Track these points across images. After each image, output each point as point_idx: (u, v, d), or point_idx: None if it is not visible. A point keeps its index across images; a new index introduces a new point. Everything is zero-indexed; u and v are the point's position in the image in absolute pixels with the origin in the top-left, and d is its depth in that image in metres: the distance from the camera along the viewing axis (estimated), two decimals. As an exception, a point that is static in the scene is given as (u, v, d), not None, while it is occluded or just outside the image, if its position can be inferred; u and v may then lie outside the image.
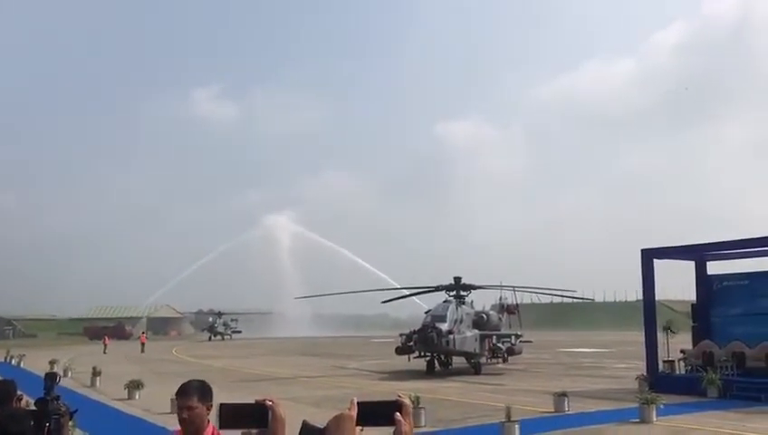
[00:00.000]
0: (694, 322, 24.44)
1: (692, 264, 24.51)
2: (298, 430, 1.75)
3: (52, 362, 28.52)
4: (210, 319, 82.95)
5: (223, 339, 76.71)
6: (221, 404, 1.83)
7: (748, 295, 22.69)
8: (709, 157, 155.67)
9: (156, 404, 17.68)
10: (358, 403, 1.72)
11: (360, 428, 1.71)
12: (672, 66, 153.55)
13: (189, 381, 3.33)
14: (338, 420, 1.69)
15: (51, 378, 3.73)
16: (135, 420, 16.67)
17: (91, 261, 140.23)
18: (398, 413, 1.70)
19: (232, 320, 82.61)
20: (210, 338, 76.93)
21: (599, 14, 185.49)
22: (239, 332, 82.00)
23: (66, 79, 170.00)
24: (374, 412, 1.73)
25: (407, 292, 37.72)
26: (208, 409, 3.25)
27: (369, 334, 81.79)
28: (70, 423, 3.84)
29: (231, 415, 1.81)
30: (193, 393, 3.24)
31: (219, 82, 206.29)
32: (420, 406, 14.86)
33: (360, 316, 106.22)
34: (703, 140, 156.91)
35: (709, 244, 23.35)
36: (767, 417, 16.21)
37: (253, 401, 1.86)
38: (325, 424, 1.71)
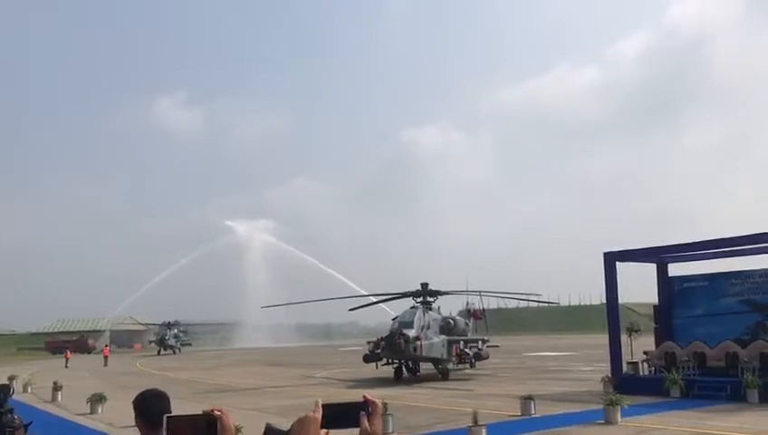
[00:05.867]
0: (656, 323, 24.88)
1: (654, 266, 24.98)
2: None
3: (11, 378, 27.64)
4: (161, 331, 74.80)
5: (174, 353, 71.33)
6: (167, 417, 1.77)
7: (708, 296, 23.22)
8: (670, 161, 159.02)
9: (119, 418, 17.25)
10: (323, 405, 1.69)
11: (326, 431, 1.68)
12: (634, 73, 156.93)
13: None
14: (302, 423, 1.65)
15: (3, 390, 3.59)
16: (97, 434, 16.27)
17: (52, 273, 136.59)
18: (362, 412, 1.68)
19: (181, 331, 77.07)
20: (159, 352, 70.62)
21: (564, 20, 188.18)
22: (189, 344, 77.77)
23: (28, 84, 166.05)
24: (340, 414, 1.70)
25: (374, 299, 37.62)
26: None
27: (338, 343, 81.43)
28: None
29: (177, 428, 1.75)
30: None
31: (184, 90, 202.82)
32: (388, 413, 14.80)
33: (329, 325, 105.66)
34: (664, 146, 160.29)
35: (670, 246, 23.79)
36: (727, 414, 16.57)
37: (200, 412, 1.81)
38: (289, 427, 1.67)
